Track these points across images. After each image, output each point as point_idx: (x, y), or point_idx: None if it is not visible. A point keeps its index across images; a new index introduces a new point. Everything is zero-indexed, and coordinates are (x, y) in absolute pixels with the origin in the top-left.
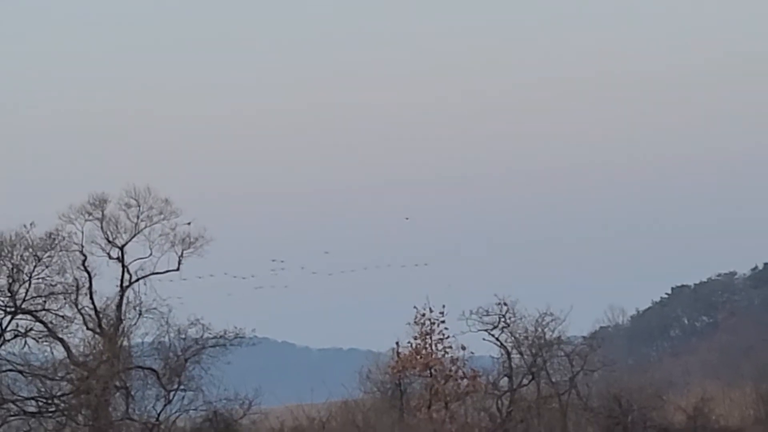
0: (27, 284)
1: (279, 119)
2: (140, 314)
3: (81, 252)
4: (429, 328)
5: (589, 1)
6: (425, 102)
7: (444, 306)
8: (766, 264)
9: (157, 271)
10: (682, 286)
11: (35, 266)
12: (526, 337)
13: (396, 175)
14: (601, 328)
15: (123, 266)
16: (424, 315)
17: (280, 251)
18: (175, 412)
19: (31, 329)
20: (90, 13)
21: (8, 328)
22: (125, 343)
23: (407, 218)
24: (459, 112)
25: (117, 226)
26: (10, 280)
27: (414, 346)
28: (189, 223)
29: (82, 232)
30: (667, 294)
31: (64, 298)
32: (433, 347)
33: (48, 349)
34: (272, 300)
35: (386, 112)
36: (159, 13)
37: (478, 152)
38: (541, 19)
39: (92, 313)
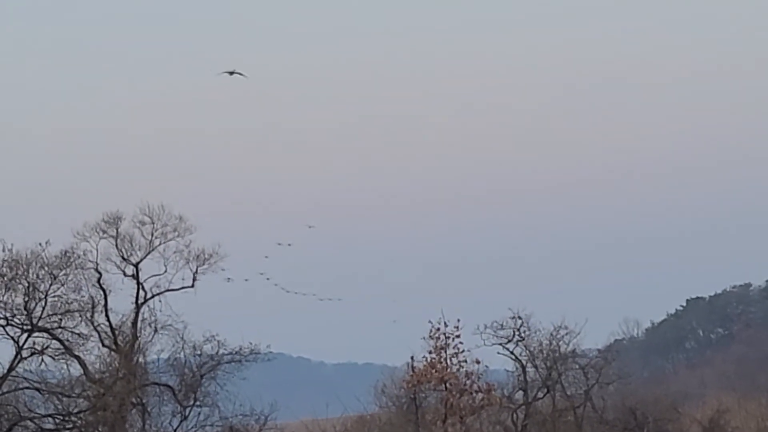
0: (43, 302)
1: (288, 134)
2: (156, 331)
3: (96, 270)
4: (444, 342)
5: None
6: (437, 115)
7: (459, 320)
8: None
9: (171, 287)
10: (697, 298)
11: (51, 284)
12: (541, 351)
13: (408, 189)
14: (615, 340)
15: (138, 283)
16: (438, 329)
17: (291, 264)
18: (192, 428)
19: (47, 347)
20: (103, 33)
21: (25, 346)
22: (141, 359)
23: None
24: (475, 127)
25: (131, 244)
26: (27, 299)
27: (429, 360)
28: None
29: (97, 250)
30: (681, 306)
31: (80, 316)
32: (448, 361)
33: (64, 366)
34: (287, 315)
35: (393, 127)
36: (168, 30)
37: (491, 168)
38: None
39: (108, 330)
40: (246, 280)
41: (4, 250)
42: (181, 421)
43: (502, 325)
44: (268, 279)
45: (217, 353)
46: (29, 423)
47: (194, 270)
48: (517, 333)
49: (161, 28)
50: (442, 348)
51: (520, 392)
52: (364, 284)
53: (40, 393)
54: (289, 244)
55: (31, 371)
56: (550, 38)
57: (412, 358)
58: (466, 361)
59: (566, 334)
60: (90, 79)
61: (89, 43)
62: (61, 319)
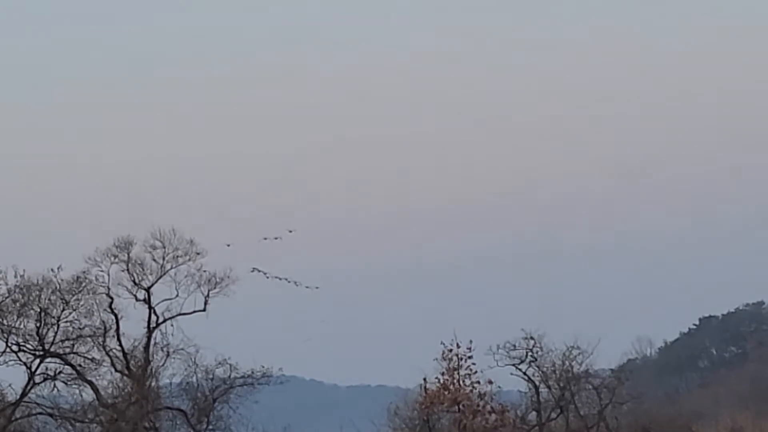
0: (55, 327)
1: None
2: (168, 355)
3: (108, 294)
4: (456, 363)
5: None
6: (438, 133)
7: (471, 341)
8: None
9: (183, 311)
10: (710, 316)
11: (63, 309)
12: (554, 371)
13: (415, 204)
14: (629, 360)
15: (150, 308)
16: (451, 350)
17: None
18: None
19: (60, 372)
20: (112, 59)
21: (37, 372)
22: (153, 384)
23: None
24: (480, 137)
25: (143, 268)
26: (39, 324)
27: (442, 381)
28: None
29: (109, 275)
30: (695, 325)
31: (92, 341)
32: (461, 382)
33: (77, 391)
34: (299, 338)
35: (396, 145)
36: (177, 56)
37: (500, 181)
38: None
39: (120, 355)
40: (253, 270)
41: (16, 276)
42: None
43: (514, 346)
44: (264, 273)
45: (229, 377)
46: None
47: (206, 294)
48: (529, 353)
49: (168, 54)
50: (454, 369)
51: (534, 413)
52: (372, 302)
53: (53, 418)
54: (276, 238)
55: (43, 397)
56: (550, 46)
57: (425, 379)
58: (479, 382)
59: (579, 354)
60: (100, 104)
61: (96, 64)
62: (73, 345)
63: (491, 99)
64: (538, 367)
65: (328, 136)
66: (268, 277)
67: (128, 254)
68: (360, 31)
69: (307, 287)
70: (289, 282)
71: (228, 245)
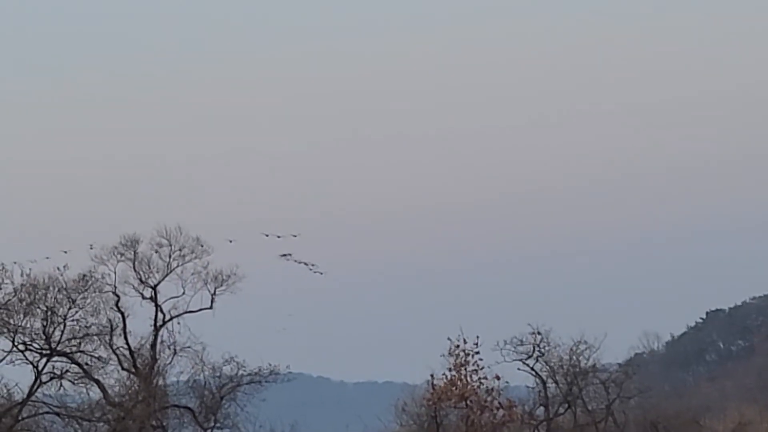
0: (62, 326)
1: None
2: (175, 353)
3: (114, 293)
4: (463, 359)
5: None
6: (436, 133)
7: (478, 337)
8: None
9: (190, 309)
10: (717, 310)
11: (69, 308)
12: (561, 366)
13: (420, 203)
14: (636, 354)
15: (156, 306)
16: (458, 346)
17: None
18: None
19: (66, 371)
20: (116, 63)
21: (44, 371)
22: (160, 382)
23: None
24: (486, 138)
25: (149, 266)
26: (45, 323)
27: (449, 377)
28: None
29: (115, 273)
30: (701, 318)
31: (99, 340)
32: (468, 378)
33: (84, 390)
34: (307, 335)
35: (392, 145)
36: (180, 55)
37: (505, 181)
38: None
39: (127, 353)
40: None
41: (22, 275)
42: None
43: (521, 341)
44: (287, 256)
45: (236, 374)
46: None
47: (212, 291)
48: (536, 348)
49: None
50: (461, 365)
51: (541, 408)
52: (379, 299)
53: (60, 418)
54: (278, 236)
55: (50, 396)
56: (551, 45)
57: (432, 375)
58: (486, 378)
59: (586, 348)
60: (103, 104)
61: (113, 81)
62: (80, 343)
63: (494, 99)
64: (545, 362)
65: (331, 135)
66: (287, 260)
67: (134, 252)
68: (359, 34)
69: (316, 272)
70: (306, 265)
71: (230, 241)
